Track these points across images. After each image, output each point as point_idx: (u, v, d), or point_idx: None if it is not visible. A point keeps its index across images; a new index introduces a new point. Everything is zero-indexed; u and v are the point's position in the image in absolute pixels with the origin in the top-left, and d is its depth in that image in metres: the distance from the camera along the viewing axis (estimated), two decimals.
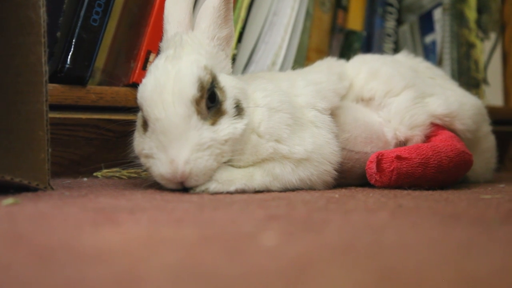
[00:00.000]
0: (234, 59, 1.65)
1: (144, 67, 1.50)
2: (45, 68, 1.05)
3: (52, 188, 1.07)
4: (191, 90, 1.05)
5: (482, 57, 2.14)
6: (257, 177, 1.14)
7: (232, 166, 1.13)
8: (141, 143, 1.11)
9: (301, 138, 1.18)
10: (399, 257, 0.56)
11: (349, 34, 1.98)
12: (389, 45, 2.12)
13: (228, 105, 1.11)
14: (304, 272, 0.50)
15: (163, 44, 1.21)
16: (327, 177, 1.22)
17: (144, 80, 1.11)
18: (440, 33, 2.12)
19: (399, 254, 0.58)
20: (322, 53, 1.89)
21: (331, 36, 1.95)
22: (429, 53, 2.15)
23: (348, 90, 1.39)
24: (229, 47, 1.21)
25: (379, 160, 1.24)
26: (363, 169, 1.28)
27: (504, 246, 0.63)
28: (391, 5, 2.12)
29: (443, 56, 2.10)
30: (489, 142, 1.56)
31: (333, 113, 1.28)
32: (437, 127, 1.37)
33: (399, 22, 2.18)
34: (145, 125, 1.11)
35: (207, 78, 1.08)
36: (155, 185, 1.13)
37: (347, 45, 1.97)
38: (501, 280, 0.47)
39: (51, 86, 1.39)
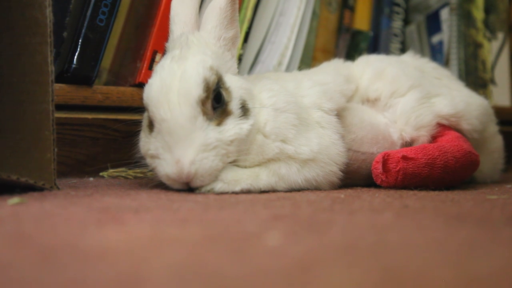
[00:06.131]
0: (240, 59, 1.65)
1: (150, 67, 1.50)
2: (51, 68, 1.05)
3: (58, 188, 1.08)
4: (196, 91, 1.05)
5: (489, 57, 2.13)
6: (262, 177, 1.14)
7: (238, 166, 1.13)
8: (147, 144, 1.12)
9: (307, 139, 1.18)
10: (403, 257, 0.56)
11: (356, 34, 1.97)
12: (396, 45, 2.11)
13: (234, 105, 1.11)
14: (308, 272, 0.50)
15: (169, 45, 1.21)
16: (333, 177, 1.22)
17: (150, 81, 1.11)
18: (447, 33, 2.11)
19: (402, 254, 0.58)
20: (328, 53, 1.89)
21: (337, 36, 1.95)
22: (436, 53, 2.15)
23: (355, 92, 1.39)
24: (235, 48, 1.21)
25: (385, 160, 1.23)
26: (369, 169, 1.28)
27: (508, 247, 0.62)
28: (398, 5, 2.12)
29: (450, 56, 2.09)
30: (496, 142, 1.56)
31: (339, 114, 1.28)
32: (443, 128, 1.37)
33: (406, 22, 2.17)
34: (151, 125, 1.11)
35: (212, 78, 1.08)
36: (161, 185, 1.13)
37: (353, 45, 1.97)
38: (504, 280, 0.47)
39: (57, 86, 1.40)
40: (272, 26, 1.74)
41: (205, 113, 1.06)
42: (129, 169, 1.44)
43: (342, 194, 1.12)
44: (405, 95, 1.37)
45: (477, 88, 2.01)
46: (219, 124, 1.08)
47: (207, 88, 1.06)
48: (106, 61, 1.53)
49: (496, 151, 1.56)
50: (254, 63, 1.71)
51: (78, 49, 1.42)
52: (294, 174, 1.16)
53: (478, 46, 2.11)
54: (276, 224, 0.74)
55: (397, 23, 2.12)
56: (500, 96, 2.14)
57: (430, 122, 1.35)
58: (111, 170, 1.47)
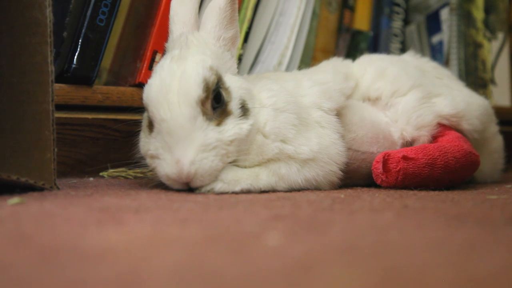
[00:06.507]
0: (240, 59, 1.65)
1: (150, 67, 1.50)
2: (51, 68, 1.05)
3: (58, 188, 1.08)
4: (196, 91, 1.05)
5: (489, 57, 2.13)
6: (262, 177, 1.14)
7: (238, 166, 1.13)
8: (147, 144, 1.11)
9: (307, 139, 1.18)
10: (403, 257, 0.56)
11: (356, 34, 1.97)
12: (396, 45, 2.11)
13: (234, 105, 1.11)
14: (308, 272, 0.50)
15: (169, 45, 1.21)
16: (333, 177, 1.22)
17: (149, 81, 1.11)
18: (447, 33, 2.11)
19: (403, 254, 0.58)
20: (328, 53, 1.89)
21: (337, 36, 1.95)
22: (436, 53, 2.15)
23: (354, 90, 1.39)
24: (235, 48, 1.21)
25: (386, 160, 1.23)
26: (370, 169, 1.28)
27: (508, 247, 0.62)
28: (398, 5, 2.12)
29: (450, 56, 2.09)
30: (496, 142, 1.56)
31: (339, 113, 1.28)
32: (444, 128, 1.37)
33: (406, 22, 2.17)
34: (150, 125, 1.11)
35: (212, 78, 1.08)
36: (161, 185, 1.13)
37: (353, 45, 1.96)
38: (504, 280, 0.47)
39: (57, 86, 1.40)
40: (272, 26, 1.74)
41: (204, 113, 1.06)
42: (129, 169, 1.44)
43: (342, 194, 1.12)
44: (406, 95, 1.37)
45: (477, 88, 2.01)
46: (219, 124, 1.08)
47: (206, 88, 1.06)
48: (106, 61, 1.53)
49: (496, 151, 1.56)
50: (254, 63, 1.71)
51: (78, 49, 1.42)
52: (294, 174, 1.16)
53: (478, 46, 2.11)
54: (276, 224, 0.74)
55: (397, 23, 2.12)
56: (500, 96, 2.14)
57: (431, 122, 1.35)
58: (111, 170, 1.47)
